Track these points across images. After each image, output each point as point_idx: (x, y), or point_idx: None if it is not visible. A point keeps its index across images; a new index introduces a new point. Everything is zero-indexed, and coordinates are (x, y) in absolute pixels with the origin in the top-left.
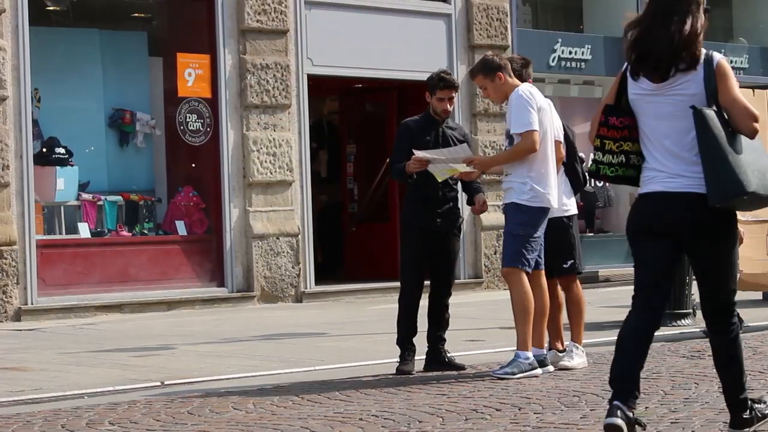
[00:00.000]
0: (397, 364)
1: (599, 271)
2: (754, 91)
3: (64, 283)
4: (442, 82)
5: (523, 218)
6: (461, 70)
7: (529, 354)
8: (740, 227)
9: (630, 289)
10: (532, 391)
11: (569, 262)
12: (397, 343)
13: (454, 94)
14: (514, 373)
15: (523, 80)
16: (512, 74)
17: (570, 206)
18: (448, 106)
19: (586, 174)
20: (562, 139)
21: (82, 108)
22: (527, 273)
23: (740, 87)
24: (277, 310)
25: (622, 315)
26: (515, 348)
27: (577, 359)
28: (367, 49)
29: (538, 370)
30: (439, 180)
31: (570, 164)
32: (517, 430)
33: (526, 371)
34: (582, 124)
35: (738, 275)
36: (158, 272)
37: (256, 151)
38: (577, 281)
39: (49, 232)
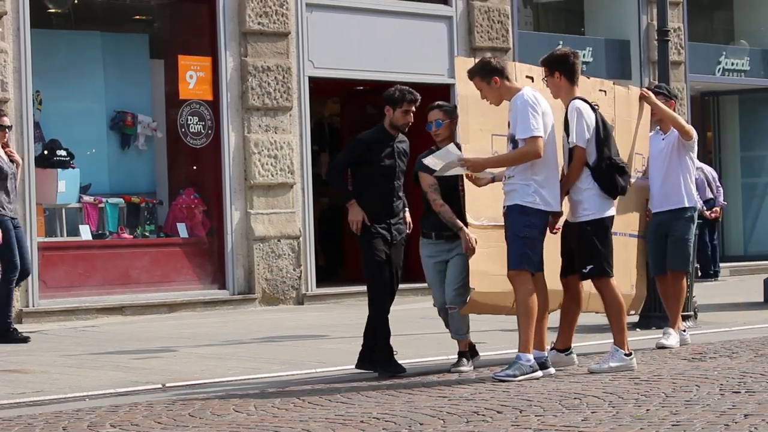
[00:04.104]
0: (387, 367)
1: None
2: (629, 88)
3: (65, 286)
4: (410, 95)
5: (527, 220)
6: None
7: (530, 356)
8: (471, 233)
9: None
10: (533, 394)
11: (588, 267)
12: (383, 348)
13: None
14: (515, 375)
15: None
16: (510, 78)
17: (590, 210)
18: (411, 119)
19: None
20: (584, 144)
21: (83, 110)
22: (532, 275)
23: (737, 89)
24: (278, 312)
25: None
26: (517, 350)
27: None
28: (368, 51)
29: (539, 372)
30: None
31: (601, 168)
32: None
33: (527, 373)
34: None
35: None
36: (159, 274)
37: (257, 153)
38: (611, 283)
39: (50, 234)
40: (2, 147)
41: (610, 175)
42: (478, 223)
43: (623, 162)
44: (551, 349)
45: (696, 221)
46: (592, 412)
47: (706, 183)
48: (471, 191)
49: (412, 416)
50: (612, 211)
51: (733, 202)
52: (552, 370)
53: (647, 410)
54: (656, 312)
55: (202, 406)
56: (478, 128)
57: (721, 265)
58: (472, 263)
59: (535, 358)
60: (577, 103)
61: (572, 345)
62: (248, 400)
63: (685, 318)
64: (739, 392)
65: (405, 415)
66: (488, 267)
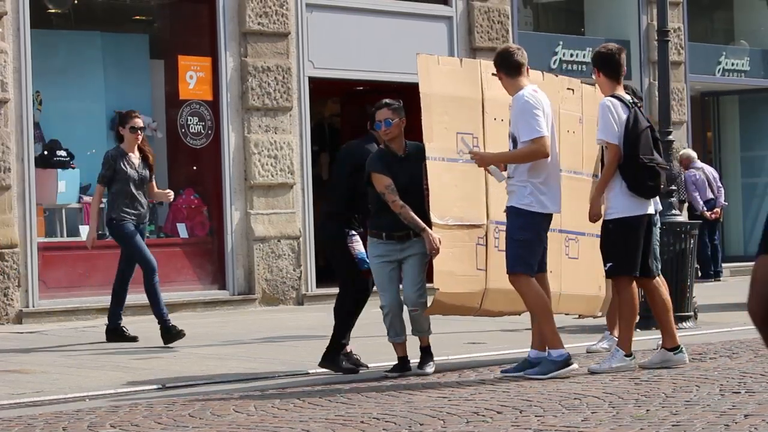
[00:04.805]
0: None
1: None
2: (596, 86)
3: (65, 286)
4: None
5: (521, 222)
6: None
7: (563, 351)
8: (436, 233)
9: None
10: (533, 394)
11: (608, 265)
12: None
13: None
14: (544, 373)
15: None
16: (516, 73)
17: (614, 209)
18: None
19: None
20: (615, 141)
21: (83, 110)
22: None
23: (737, 90)
24: (278, 312)
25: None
26: (529, 348)
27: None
28: (368, 51)
29: (575, 365)
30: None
31: (627, 167)
32: None
33: (560, 369)
34: None
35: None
36: (159, 275)
37: (257, 153)
38: (629, 284)
39: (50, 234)
40: (138, 149)
41: (637, 174)
42: (442, 223)
43: (654, 161)
44: (660, 348)
45: (658, 224)
46: (592, 413)
47: (706, 183)
48: (435, 191)
49: (412, 416)
50: (642, 211)
51: (734, 202)
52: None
53: (647, 410)
54: None
55: (203, 406)
56: (443, 127)
57: (722, 265)
58: (437, 264)
59: (532, 358)
60: (606, 100)
61: (680, 343)
62: (248, 400)
63: (684, 318)
64: (739, 392)
65: (405, 416)
66: (454, 267)
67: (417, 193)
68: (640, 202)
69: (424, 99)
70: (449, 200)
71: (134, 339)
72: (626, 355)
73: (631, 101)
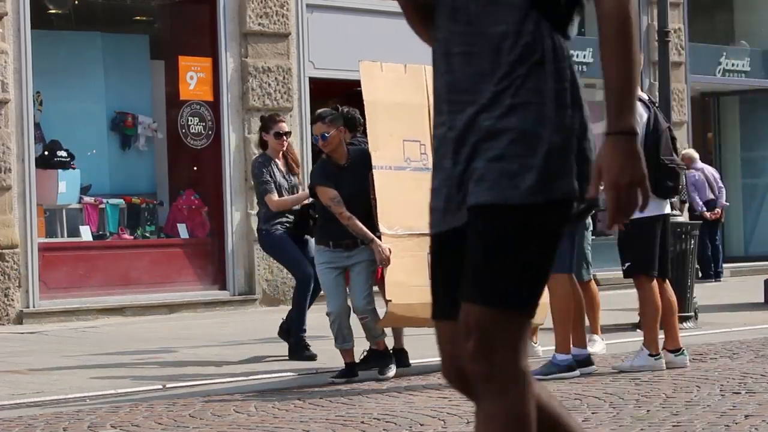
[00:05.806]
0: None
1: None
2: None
3: (65, 286)
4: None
5: None
6: None
7: (568, 357)
8: (387, 243)
9: (625, 293)
10: None
11: (626, 264)
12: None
13: None
14: (545, 374)
15: None
16: None
17: None
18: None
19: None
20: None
21: (84, 111)
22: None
23: (738, 90)
24: (278, 313)
25: (620, 318)
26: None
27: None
28: (368, 52)
29: (577, 372)
30: None
31: (650, 166)
32: None
33: (562, 372)
34: None
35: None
36: (160, 275)
37: (257, 154)
38: (647, 283)
39: (50, 235)
40: (283, 156)
41: (657, 174)
42: (391, 233)
43: (674, 162)
44: (662, 349)
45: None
46: (593, 413)
47: (706, 184)
48: (383, 201)
49: (412, 417)
50: (659, 211)
51: (734, 202)
52: (594, 367)
53: (648, 411)
54: None
55: (203, 406)
56: (388, 134)
57: (723, 265)
58: (388, 274)
59: (574, 356)
60: None
61: (681, 346)
62: (249, 401)
63: (685, 319)
64: (740, 393)
65: (405, 416)
66: (404, 277)
67: (362, 202)
68: (658, 203)
69: (367, 107)
70: (398, 210)
71: (313, 357)
72: (651, 355)
73: (649, 100)
